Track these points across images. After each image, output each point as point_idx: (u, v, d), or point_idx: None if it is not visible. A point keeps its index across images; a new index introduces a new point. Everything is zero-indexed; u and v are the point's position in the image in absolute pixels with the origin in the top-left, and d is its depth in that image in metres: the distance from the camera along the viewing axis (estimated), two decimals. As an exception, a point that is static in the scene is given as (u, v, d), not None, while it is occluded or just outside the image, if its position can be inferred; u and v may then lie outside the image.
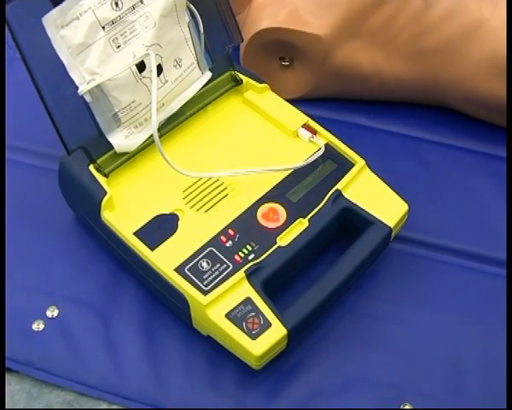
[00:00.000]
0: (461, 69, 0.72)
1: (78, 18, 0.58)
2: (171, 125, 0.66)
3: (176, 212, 0.61)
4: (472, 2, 0.71)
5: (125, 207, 0.62)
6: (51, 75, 0.59)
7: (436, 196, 0.71)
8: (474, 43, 0.71)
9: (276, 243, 0.60)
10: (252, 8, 0.74)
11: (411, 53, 0.73)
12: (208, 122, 0.69)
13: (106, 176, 0.62)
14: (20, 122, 0.75)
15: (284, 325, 0.56)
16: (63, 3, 0.58)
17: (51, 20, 0.57)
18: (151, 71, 0.61)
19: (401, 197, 0.64)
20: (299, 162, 0.64)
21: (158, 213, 0.61)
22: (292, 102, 0.70)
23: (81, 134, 0.61)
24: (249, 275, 0.57)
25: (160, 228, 0.60)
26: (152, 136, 0.62)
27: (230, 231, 0.60)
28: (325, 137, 0.67)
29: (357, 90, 0.78)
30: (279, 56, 0.76)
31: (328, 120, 0.70)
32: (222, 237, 0.60)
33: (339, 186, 0.63)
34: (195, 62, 0.66)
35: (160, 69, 0.63)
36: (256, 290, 0.57)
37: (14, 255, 0.65)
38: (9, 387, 0.58)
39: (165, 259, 0.58)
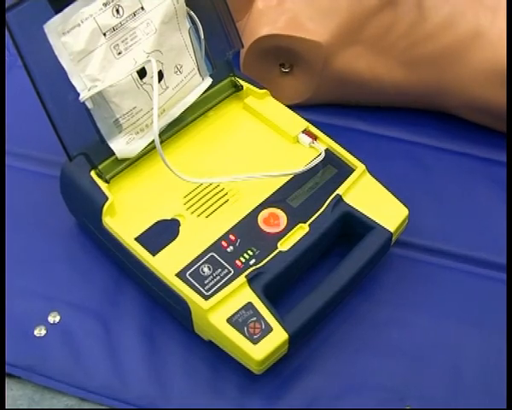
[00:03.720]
0: (460, 76, 0.73)
1: (79, 25, 0.59)
2: (172, 130, 0.67)
3: (177, 217, 0.62)
4: (470, 11, 0.71)
5: (127, 212, 0.62)
6: (52, 82, 0.59)
7: (436, 201, 0.71)
8: (473, 51, 0.71)
9: (276, 247, 0.60)
10: (252, 15, 0.75)
11: (410, 60, 0.73)
12: (209, 128, 0.69)
13: (107, 182, 0.62)
14: (21, 128, 0.75)
15: (285, 330, 0.56)
16: (64, 10, 0.58)
17: (53, 27, 0.58)
18: (152, 77, 0.61)
19: (401, 202, 0.64)
20: (300, 168, 0.64)
21: (159, 219, 0.61)
22: (292, 107, 0.70)
23: (82, 140, 0.61)
24: (250, 280, 0.58)
25: (162, 233, 0.60)
26: (153, 142, 0.62)
27: (231, 237, 0.60)
28: (325, 142, 0.67)
29: (357, 96, 0.78)
30: (279, 63, 0.77)
31: (328, 126, 0.70)
32: (223, 243, 0.60)
33: (339, 191, 0.63)
34: (196, 68, 0.67)
35: (160, 75, 0.63)
36: (257, 295, 0.57)
37: (15, 261, 0.65)
38: (11, 392, 0.59)
39: (167, 264, 0.58)
